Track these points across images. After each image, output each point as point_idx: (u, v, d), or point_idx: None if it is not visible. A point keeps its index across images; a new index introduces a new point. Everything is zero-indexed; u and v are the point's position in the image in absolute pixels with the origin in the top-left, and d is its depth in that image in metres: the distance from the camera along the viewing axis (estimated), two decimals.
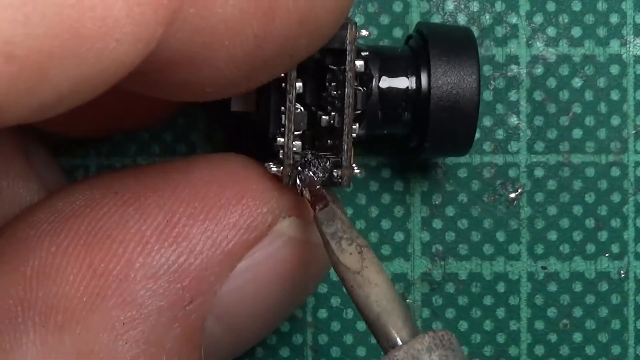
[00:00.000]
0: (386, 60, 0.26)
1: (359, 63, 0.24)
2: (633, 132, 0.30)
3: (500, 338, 0.30)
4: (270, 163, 0.24)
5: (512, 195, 0.30)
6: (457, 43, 0.26)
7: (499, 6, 0.30)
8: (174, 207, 0.23)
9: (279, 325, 0.26)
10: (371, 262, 0.23)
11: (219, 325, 0.24)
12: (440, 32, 0.27)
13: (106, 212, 0.23)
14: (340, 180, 0.24)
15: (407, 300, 0.30)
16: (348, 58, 0.24)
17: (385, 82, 0.26)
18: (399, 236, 0.30)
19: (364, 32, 0.24)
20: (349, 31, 0.24)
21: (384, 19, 0.30)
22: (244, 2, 0.19)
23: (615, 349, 0.30)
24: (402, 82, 0.26)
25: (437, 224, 0.30)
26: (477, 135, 0.30)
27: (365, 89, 0.25)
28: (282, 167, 0.24)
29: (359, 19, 0.30)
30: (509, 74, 0.30)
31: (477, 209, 0.30)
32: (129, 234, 0.23)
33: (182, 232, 0.23)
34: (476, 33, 0.30)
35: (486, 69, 0.30)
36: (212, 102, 0.22)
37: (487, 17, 0.30)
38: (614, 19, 0.30)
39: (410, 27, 0.30)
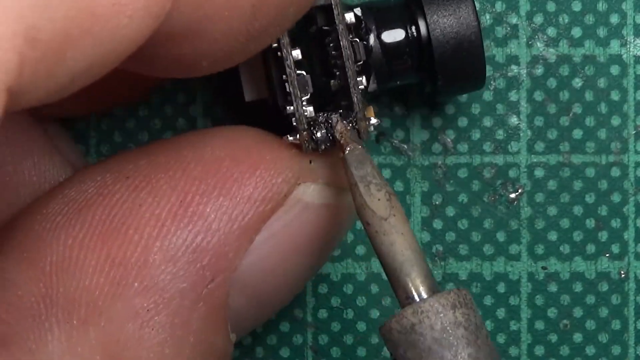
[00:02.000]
0: (381, 13, 0.26)
1: (349, 16, 0.24)
2: (633, 132, 0.30)
3: (501, 338, 0.30)
4: (288, 135, 0.24)
5: (513, 195, 0.30)
6: None
7: (499, 6, 0.30)
8: (186, 187, 0.23)
9: (302, 288, 0.26)
10: (398, 211, 0.22)
11: (243, 299, 0.24)
12: None
13: (119, 198, 0.23)
14: (357, 133, 0.24)
15: None
16: (335, 12, 0.24)
17: (385, 35, 0.26)
18: None
19: None
20: None
21: None
22: None
23: (616, 349, 0.30)
24: (401, 33, 0.26)
25: (438, 224, 0.30)
26: (477, 135, 0.30)
27: (365, 43, 0.25)
28: (297, 135, 0.24)
29: None
30: (509, 74, 0.30)
31: (478, 209, 0.30)
32: (144, 219, 0.22)
33: (197, 210, 0.23)
34: None
35: (486, 69, 0.30)
36: (226, 97, 0.22)
37: (487, 17, 0.30)
38: (614, 19, 0.30)
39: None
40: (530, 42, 0.30)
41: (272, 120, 0.25)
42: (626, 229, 0.30)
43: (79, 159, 0.28)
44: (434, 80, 0.26)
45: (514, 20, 0.30)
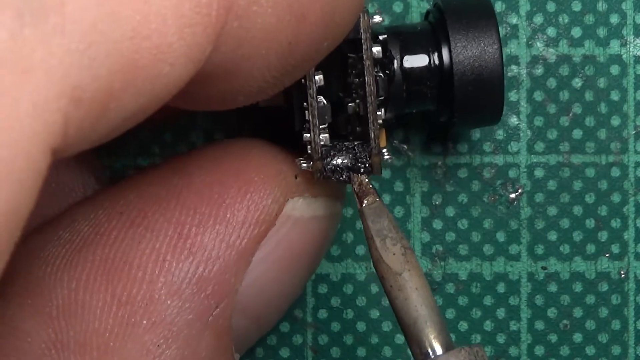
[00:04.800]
0: (406, 39, 0.26)
1: (376, 49, 0.24)
2: (633, 132, 0.30)
3: (501, 338, 0.30)
4: (301, 159, 0.24)
5: (512, 195, 0.30)
6: (475, 14, 0.26)
7: (499, 6, 0.30)
8: (182, 218, 0.23)
9: (297, 297, 0.27)
10: (414, 266, 0.23)
11: (244, 319, 0.24)
12: (457, 4, 0.26)
13: (116, 236, 0.23)
14: (370, 168, 0.24)
15: None
16: (364, 46, 0.24)
17: (407, 62, 0.26)
18: None
19: (377, 18, 0.24)
20: (362, 20, 0.24)
21: (385, 20, 0.30)
22: (280, 11, 0.19)
23: (616, 350, 0.30)
24: (424, 60, 0.26)
25: (437, 224, 0.30)
26: (477, 135, 0.30)
27: (387, 72, 0.25)
28: (311, 162, 0.24)
29: None
30: (509, 74, 0.30)
31: (477, 209, 0.30)
32: (145, 255, 0.23)
33: (196, 241, 0.23)
34: None
35: None
36: None
37: None
38: (614, 19, 0.30)
39: None
40: (530, 42, 0.30)
41: (284, 127, 0.25)
42: (626, 229, 0.30)
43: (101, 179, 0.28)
44: (451, 110, 0.26)
45: (514, 20, 0.30)
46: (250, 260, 0.23)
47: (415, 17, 0.30)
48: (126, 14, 0.16)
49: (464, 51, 0.25)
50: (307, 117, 0.24)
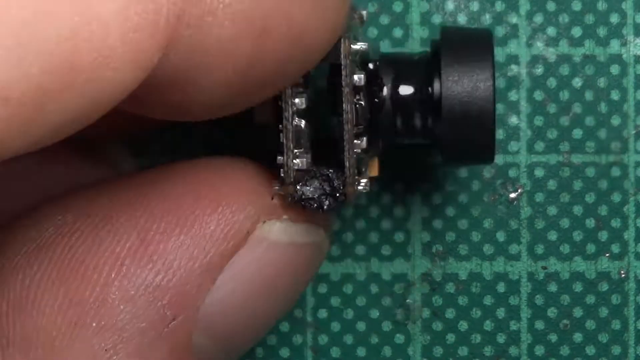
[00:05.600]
0: (400, 68, 0.25)
1: (358, 77, 0.23)
2: (633, 132, 0.30)
3: (501, 338, 0.30)
4: (276, 182, 0.23)
5: (512, 195, 0.30)
6: (472, 47, 0.25)
7: (499, 6, 0.30)
8: (147, 225, 0.22)
9: (271, 328, 0.26)
10: None
11: (207, 338, 0.23)
12: (456, 36, 0.25)
13: (79, 237, 0.22)
14: (344, 197, 0.24)
15: (407, 301, 0.30)
16: (343, 73, 0.23)
17: (399, 91, 0.25)
18: (399, 236, 0.30)
19: (361, 45, 0.23)
20: (342, 45, 0.23)
21: (384, 19, 0.30)
22: (238, 23, 0.19)
23: (616, 349, 0.30)
24: (415, 90, 0.25)
25: (438, 224, 0.30)
26: None
27: (376, 100, 0.24)
28: (283, 186, 0.23)
29: None
30: (509, 74, 0.30)
31: (477, 209, 0.30)
32: (103, 258, 0.22)
33: (157, 249, 0.22)
34: None
35: None
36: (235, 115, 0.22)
37: (487, 17, 0.30)
38: (614, 18, 0.30)
39: (410, 28, 0.30)
40: (530, 42, 0.30)
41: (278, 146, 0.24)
42: (626, 228, 0.30)
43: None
44: (439, 144, 0.25)
45: (514, 19, 0.30)
46: (216, 277, 0.23)
47: (415, 17, 0.30)
48: (64, 14, 0.16)
49: (455, 85, 0.24)
50: (281, 139, 0.23)
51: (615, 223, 0.30)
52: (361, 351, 0.30)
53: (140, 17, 0.17)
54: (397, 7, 0.30)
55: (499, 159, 0.30)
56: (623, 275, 0.30)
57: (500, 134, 0.30)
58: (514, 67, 0.30)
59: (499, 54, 0.30)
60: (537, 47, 0.30)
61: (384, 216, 0.30)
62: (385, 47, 0.30)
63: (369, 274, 0.30)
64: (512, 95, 0.30)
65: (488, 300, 0.30)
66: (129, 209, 0.23)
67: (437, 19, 0.30)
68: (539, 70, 0.30)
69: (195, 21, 0.18)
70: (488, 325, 0.30)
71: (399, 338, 0.30)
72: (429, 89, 0.25)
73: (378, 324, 0.30)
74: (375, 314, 0.30)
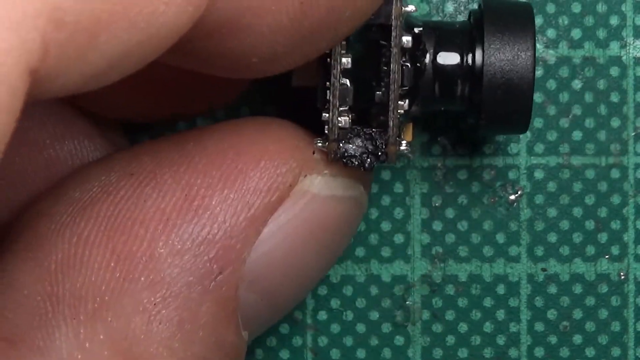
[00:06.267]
0: (442, 35, 0.26)
1: (406, 39, 0.24)
2: (633, 134, 0.30)
3: (500, 340, 0.30)
4: (319, 138, 0.24)
5: (512, 197, 0.30)
6: (514, 18, 0.26)
7: None
8: (191, 180, 0.23)
9: (317, 283, 0.26)
10: None
11: (253, 292, 0.23)
12: (498, 6, 0.26)
13: (123, 195, 0.23)
14: (385, 156, 0.24)
15: (407, 303, 0.30)
16: (393, 34, 0.23)
17: (440, 58, 0.25)
18: (399, 238, 0.30)
19: (410, 8, 0.24)
20: (394, 6, 0.23)
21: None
22: None
23: (615, 351, 0.30)
24: (456, 58, 0.26)
25: (437, 225, 0.30)
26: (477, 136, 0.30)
27: (418, 64, 0.25)
28: (327, 143, 0.24)
29: None
30: None
31: (477, 210, 0.30)
32: (149, 214, 0.22)
33: (202, 203, 0.23)
34: None
35: None
36: (269, 80, 0.22)
37: None
38: (614, 20, 0.30)
39: None
40: None
41: (314, 109, 0.25)
42: (626, 230, 0.30)
43: (122, 142, 0.28)
44: (478, 113, 0.26)
45: None
46: (261, 230, 0.23)
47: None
48: None
49: (497, 54, 0.25)
50: (327, 97, 0.24)
51: (615, 225, 0.30)
52: (361, 353, 0.30)
53: None
54: None
55: (498, 161, 0.30)
56: (623, 277, 0.30)
57: (500, 135, 0.30)
58: None
59: None
60: (537, 49, 0.30)
61: (384, 218, 0.30)
62: None
63: (369, 276, 0.30)
64: None
65: (488, 302, 0.30)
66: (173, 166, 0.23)
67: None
68: (539, 72, 0.30)
69: None
70: (488, 327, 0.30)
71: (399, 340, 0.30)
72: (470, 56, 0.25)
73: (378, 325, 0.30)
74: (375, 315, 0.30)
